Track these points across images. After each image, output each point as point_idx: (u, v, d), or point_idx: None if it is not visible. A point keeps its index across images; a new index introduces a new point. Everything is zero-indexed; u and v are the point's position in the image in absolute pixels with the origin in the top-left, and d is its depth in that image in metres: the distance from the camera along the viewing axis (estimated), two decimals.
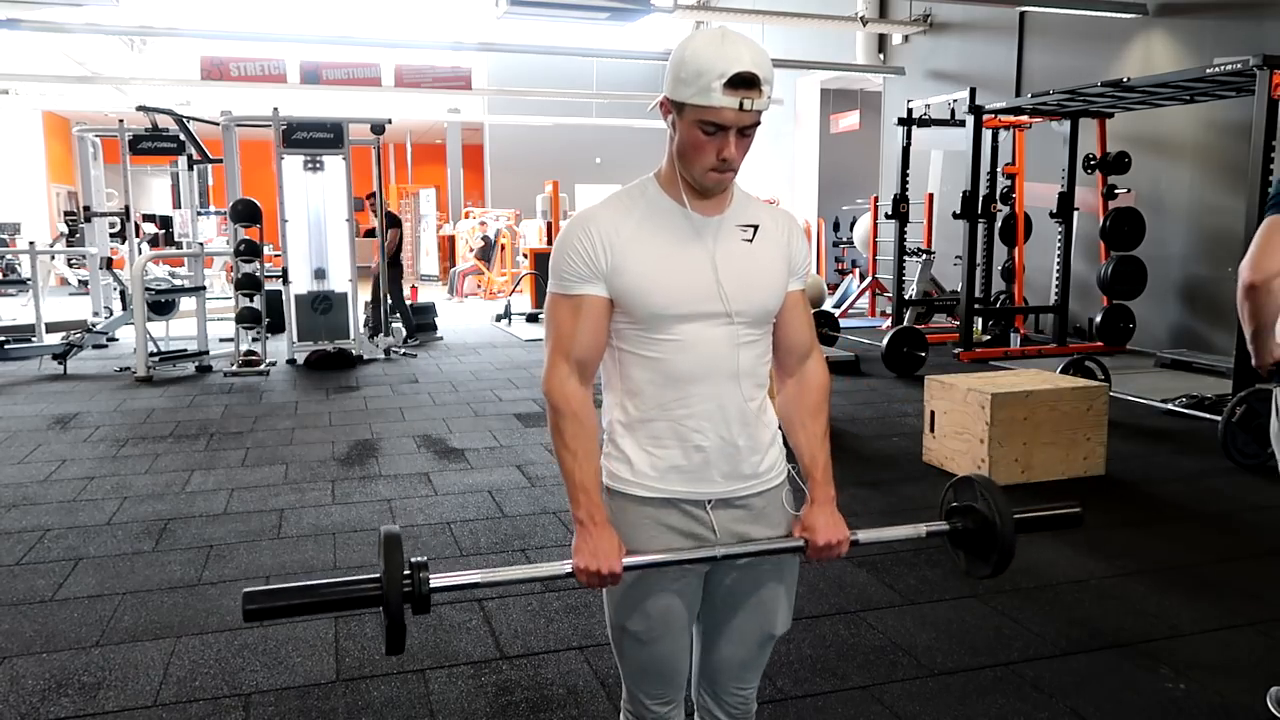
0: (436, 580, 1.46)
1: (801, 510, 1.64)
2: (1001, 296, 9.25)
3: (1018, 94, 10.06)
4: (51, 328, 9.81)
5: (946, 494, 1.77)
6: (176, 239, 14.72)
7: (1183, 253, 8.48)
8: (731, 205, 1.57)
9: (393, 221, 10.04)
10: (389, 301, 9.79)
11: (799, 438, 1.66)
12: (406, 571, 1.44)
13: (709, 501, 1.57)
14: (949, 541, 1.74)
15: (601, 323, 1.55)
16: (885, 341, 8.03)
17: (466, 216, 18.41)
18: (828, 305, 11.10)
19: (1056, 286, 8.89)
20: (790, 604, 1.70)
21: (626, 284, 1.51)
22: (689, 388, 1.54)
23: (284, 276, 8.76)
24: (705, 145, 1.45)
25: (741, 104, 1.40)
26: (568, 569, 1.53)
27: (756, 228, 1.58)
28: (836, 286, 13.11)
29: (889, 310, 10.19)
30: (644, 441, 1.57)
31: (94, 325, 9.59)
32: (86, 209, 10.69)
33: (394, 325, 9.95)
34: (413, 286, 13.33)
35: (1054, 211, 8.78)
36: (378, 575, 1.43)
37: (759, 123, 1.46)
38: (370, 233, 10.02)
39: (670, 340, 1.53)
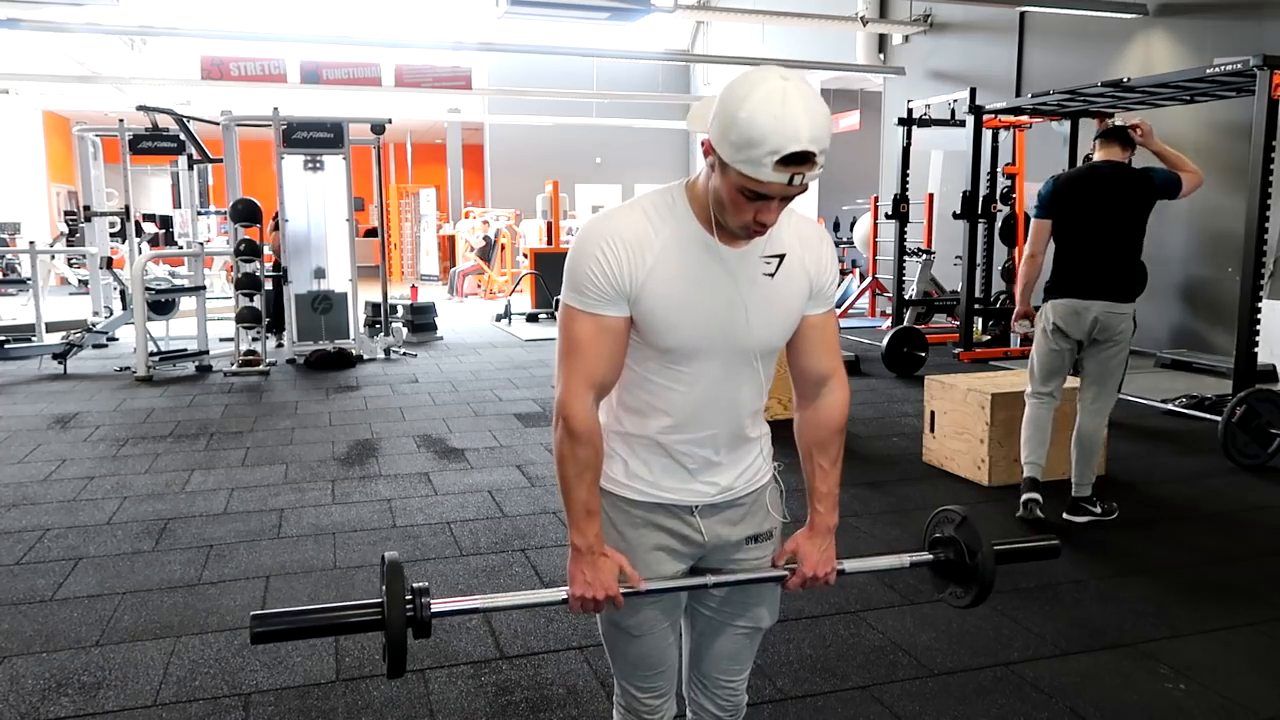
0: (438, 605, 1.50)
1: (797, 533, 1.66)
2: (1001, 296, 9.25)
3: (1018, 94, 10.06)
4: (51, 327, 9.81)
5: (929, 526, 1.81)
6: (176, 239, 14.72)
7: (1183, 253, 8.48)
8: None
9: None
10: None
11: (808, 467, 1.66)
12: (409, 596, 1.47)
13: (695, 507, 1.59)
14: (931, 571, 1.78)
15: (624, 343, 1.49)
16: (885, 341, 8.04)
17: (466, 216, 18.40)
18: None
19: None
20: (777, 597, 1.73)
21: (647, 313, 1.46)
22: (689, 417, 1.54)
23: (284, 276, 8.76)
24: (745, 206, 1.37)
25: (791, 179, 1.31)
26: (564, 596, 1.55)
27: (782, 257, 1.50)
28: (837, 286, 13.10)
29: (889, 310, 10.19)
30: (637, 449, 1.58)
31: (94, 325, 9.59)
32: (86, 209, 10.67)
33: (394, 325, 9.96)
34: (413, 286, 13.33)
35: None
36: (380, 600, 1.47)
37: (806, 188, 1.37)
38: (371, 232, 10.03)
39: (678, 371, 1.51)
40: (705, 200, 1.44)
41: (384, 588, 1.47)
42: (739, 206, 1.37)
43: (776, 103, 1.27)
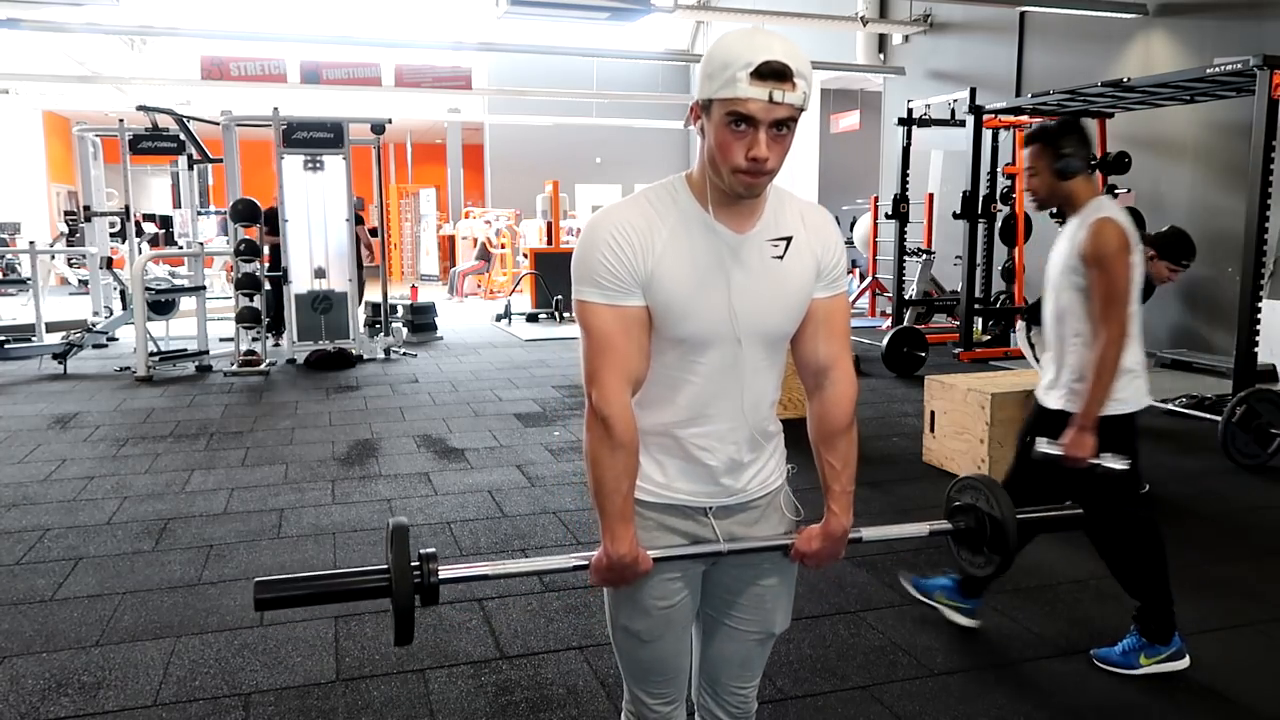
0: (445, 571, 1.46)
1: (813, 526, 1.62)
2: (1001, 296, 9.25)
3: (1018, 94, 10.06)
4: (51, 327, 9.81)
5: (950, 493, 1.76)
6: (176, 239, 14.72)
7: None
8: (763, 217, 1.48)
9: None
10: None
11: (819, 465, 1.63)
12: (415, 562, 1.44)
13: (710, 508, 1.57)
14: (952, 540, 1.74)
15: (649, 333, 1.46)
16: (885, 341, 8.04)
17: (467, 216, 18.40)
18: None
19: None
20: (789, 602, 1.71)
21: (661, 301, 1.44)
22: (701, 411, 1.51)
23: (284, 276, 8.76)
24: (733, 143, 1.35)
25: (771, 95, 1.31)
26: (576, 562, 1.52)
27: (789, 240, 1.49)
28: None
29: (889, 310, 10.19)
30: (651, 449, 1.54)
31: (94, 325, 9.59)
32: (86, 209, 10.67)
33: (394, 325, 9.96)
34: (413, 286, 13.34)
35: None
36: (386, 566, 1.43)
37: (794, 119, 1.35)
38: (371, 232, 10.03)
39: (695, 361, 1.49)
40: (704, 184, 1.44)
41: (389, 553, 1.42)
42: (728, 148, 1.36)
43: (747, 32, 1.36)
